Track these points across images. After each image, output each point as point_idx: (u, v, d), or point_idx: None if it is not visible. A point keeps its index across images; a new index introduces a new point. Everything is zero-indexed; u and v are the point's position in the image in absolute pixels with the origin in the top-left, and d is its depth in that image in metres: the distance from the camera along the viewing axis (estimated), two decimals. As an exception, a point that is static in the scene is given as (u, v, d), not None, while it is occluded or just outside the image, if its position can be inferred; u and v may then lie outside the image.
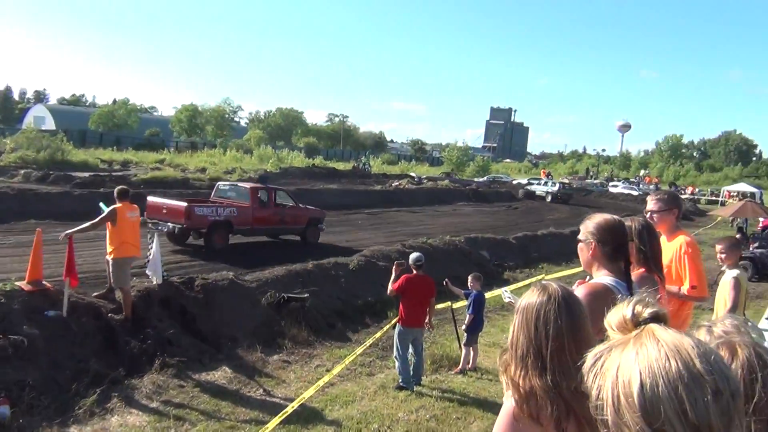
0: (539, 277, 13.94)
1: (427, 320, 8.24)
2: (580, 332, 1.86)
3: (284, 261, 12.52)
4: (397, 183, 43.98)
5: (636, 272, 3.26)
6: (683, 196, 50.17)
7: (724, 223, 32.94)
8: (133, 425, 6.47)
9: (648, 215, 4.36)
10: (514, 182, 56.66)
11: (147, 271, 9.36)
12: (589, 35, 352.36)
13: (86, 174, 29.97)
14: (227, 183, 19.40)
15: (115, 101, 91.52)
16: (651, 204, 4.48)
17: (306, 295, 10.56)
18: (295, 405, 6.54)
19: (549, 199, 43.13)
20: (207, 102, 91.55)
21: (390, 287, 8.09)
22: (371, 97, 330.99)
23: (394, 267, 8.26)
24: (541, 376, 1.84)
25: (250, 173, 39.17)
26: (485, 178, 59.62)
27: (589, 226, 2.89)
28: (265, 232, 17.33)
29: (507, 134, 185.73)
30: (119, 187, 9.42)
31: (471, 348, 8.83)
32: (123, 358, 7.79)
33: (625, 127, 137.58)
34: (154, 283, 9.19)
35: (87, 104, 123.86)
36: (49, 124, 77.38)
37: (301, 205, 18.37)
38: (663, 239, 4.15)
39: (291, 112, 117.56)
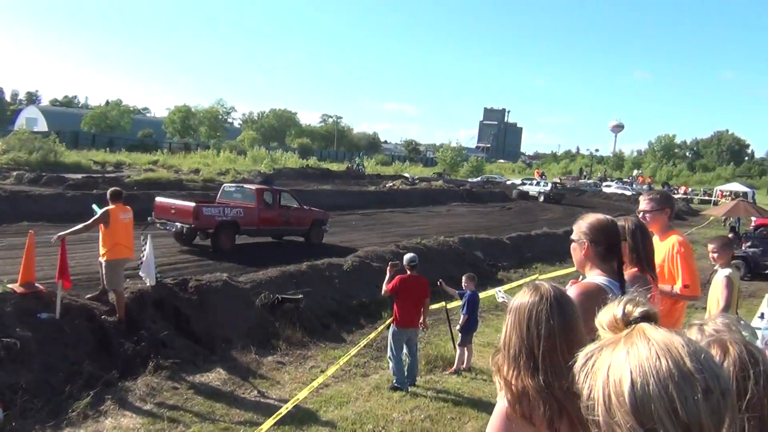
0: (533, 277, 13.98)
1: (421, 320, 8.25)
2: (572, 332, 1.86)
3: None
4: (391, 184, 43.97)
5: (629, 272, 3.27)
6: (676, 196, 50.40)
7: (717, 223, 33.08)
8: (126, 427, 6.45)
9: (640, 215, 4.38)
10: (508, 182, 56.75)
11: (140, 273, 9.33)
12: (583, 36, 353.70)
13: (79, 175, 29.82)
14: (233, 185, 19.63)
15: (107, 102, 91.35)
16: (643, 204, 4.50)
17: (300, 296, 10.56)
18: (289, 406, 6.53)
19: (542, 199, 43.29)
20: (200, 103, 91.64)
21: (384, 288, 8.10)
22: (365, 98, 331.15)
23: (388, 268, 8.26)
24: (534, 376, 1.84)
25: (243, 174, 39.06)
26: (479, 179, 59.70)
27: (581, 226, 2.89)
28: (270, 233, 17.52)
29: (500, 135, 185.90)
30: (112, 188, 9.39)
31: (465, 348, 8.84)
32: (116, 360, 7.76)
33: (618, 128, 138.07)
34: (148, 284, 9.16)
35: (79, 106, 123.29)
36: (42, 125, 76.92)
37: (305, 206, 18.60)
38: (655, 239, 4.16)
39: (284, 113, 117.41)
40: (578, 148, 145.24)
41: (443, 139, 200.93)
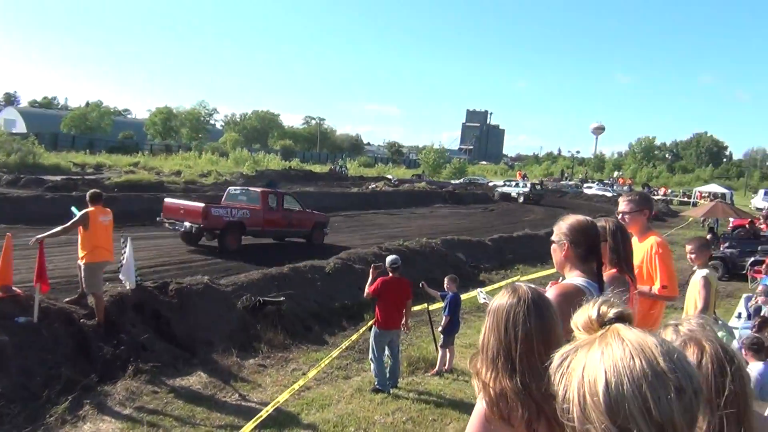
0: (515, 278, 14.04)
1: (403, 322, 8.25)
2: (549, 334, 1.87)
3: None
4: (373, 185, 44.04)
5: (607, 273, 3.29)
6: (656, 197, 51.01)
7: (696, 224, 33.50)
8: (105, 432, 6.38)
9: (620, 216, 4.42)
10: (490, 184, 57.06)
11: (120, 276, 9.24)
12: (564, 39, 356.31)
13: (58, 177, 29.57)
14: (238, 188, 20.24)
15: (87, 104, 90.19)
16: (622, 205, 4.54)
17: (282, 298, 10.52)
18: (269, 409, 6.50)
19: (521, 200, 43.73)
20: (182, 104, 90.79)
21: (366, 290, 8.09)
22: (347, 100, 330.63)
23: (371, 269, 8.26)
24: (512, 378, 1.85)
25: (225, 176, 38.92)
26: (461, 180, 59.93)
27: (562, 227, 2.91)
28: (274, 234, 18.06)
29: (483, 137, 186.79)
30: (92, 190, 9.28)
31: (447, 349, 8.86)
32: (95, 364, 7.67)
33: (599, 130, 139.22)
34: (128, 287, 9.07)
35: (59, 107, 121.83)
36: (20, 127, 75.99)
37: (307, 209, 19.26)
38: (634, 240, 4.20)
39: (267, 115, 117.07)
40: (560, 150, 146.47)
41: (426, 141, 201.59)
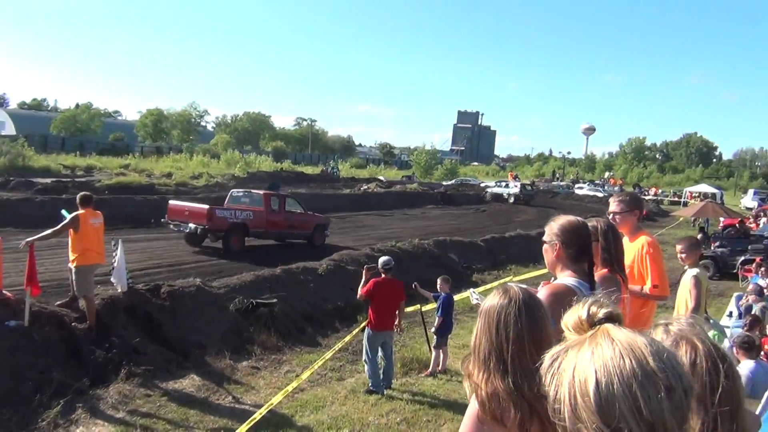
0: (507, 278, 14.08)
1: (396, 323, 8.26)
2: (540, 334, 1.88)
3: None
4: (365, 187, 44.02)
5: (599, 273, 3.31)
6: (647, 197, 51.28)
7: (687, 224, 33.68)
8: (98, 436, 6.35)
9: (610, 216, 4.44)
10: (482, 185, 57.20)
11: (111, 279, 9.20)
12: (555, 40, 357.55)
13: (48, 180, 29.38)
14: (241, 190, 20.50)
15: (77, 106, 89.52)
16: (613, 206, 4.57)
17: (275, 300, 10.50)
18: (263, 411, 6.49)
19: (512, 200, 43.91)
20: (173, 106, 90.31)
21: (359, 291, 8.10)
22: (339, 101, 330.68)
23: (364, 271, 8.26)
24: (504, 379, 1.86)
25: (217, 178, 38.80)
26: (453, 181, 60.02)
27: (553, 227, 2.92)
28: (276, 235, 18.38)
29: (474, 138, 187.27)
30: (82, 193, 9.22)
31: (441, 350, 8.87)
32: (87, 367, 7.63)
33: (590, 130, 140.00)
34: (119, 290, 9.03)
35: (48, 109, 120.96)
36: (9, 129, 75.40)
37: (308, 212, 19.66)
38: (625, 240, 4.23)
39: (258, 116, 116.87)
40: (551, 151, 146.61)
41: (418, 142, 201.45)
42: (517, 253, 19.26)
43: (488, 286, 11.86)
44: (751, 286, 11.09)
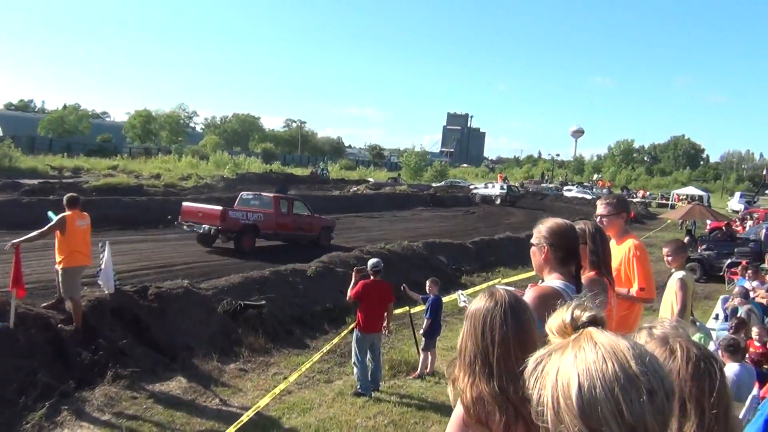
0: (496, 280, 14.11)
1: (385, 325, 8.25)
2: (526, 337, 1.88)
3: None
4: (355, 188, 44.04)
5: (586, 275, 3.32)
6: (635, 200, 51.56)
7: (674, 226, 33.87)
8: (83, 439, 6.30)
9: (598, 219, 4.46)
10: (471, 187, 57.37)
11: (98, 281, 9.13)
12: (545, 43, 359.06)
13: (35, 181, 29.16)
14: (250, 193, 20.84)
15: (65, 107, 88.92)
16: (600, 208, 4.58)
17: (263, 302, 10.46)
18: (250, 414, 6.45)
19: (498, 201, 44.37)
20: (161, 107, 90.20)
21: (349, 293, 8.09)
22: (328, 103, 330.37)
23: (353, 273, 8.25)
24: (489, 382, 1.86)
25: (206, 179, 38.69)
26: (442, 183, 60.15)
27: (541, 230, 2.93)
28: (285, 237, 18.90)
29: (464, 139, 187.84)
30: (69, 194, 9.16)
31: (429, 352, 8.87)
32: (73, 370, 7.57)
33: (579, 133, 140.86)
34: (106, 292, 8.97)
35: (36, 110, 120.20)
36: (-5, 130, 74.92)
37: (315, 214, 20.28)
38: (612, 243, 4.24)
39: (247, 118, 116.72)
40: (540, 153, 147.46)
41: (407, 143, 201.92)
42: (506, 255, 19.31)
43: (477, 288, 11.88)
44: (737, 289, 11.16)
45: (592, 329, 1.12)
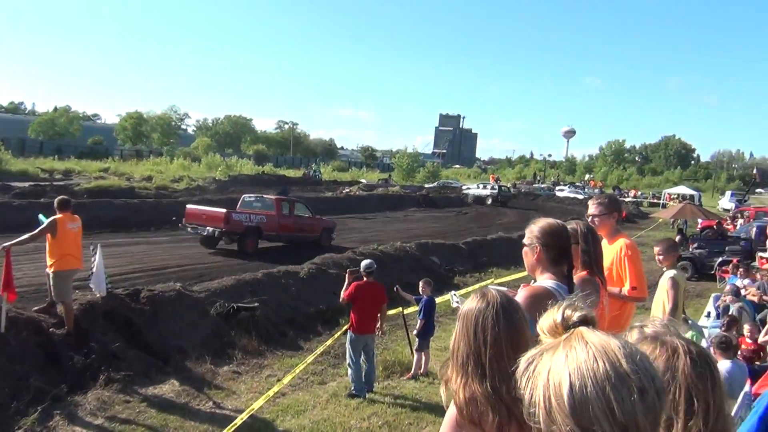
0: (489, 281, 14.13)
1: (378, 326, 8.25)
2: (518, 338, 1.89)
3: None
4: (347, 190, 44.04)
5: (578, 275, 3.33)
6: (626, 200, 51.80)
7: (665, 225, 34.04)
8: (76, 443, 6.27)
9: (589, 219, 4.48)
10: (464, 188, 57.49)
11: (90, 284, 9.09)
12: (536, 43, 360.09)
13: (26, 184, 28.98)
14: (252, 195, 20.95)
15: (56, 109, 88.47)
16: (592, 208, 4.60)
17: (256, 304, 10.44)
18: (244, 416, 6.44)
19: (489, 201, 44.68)
20: (152, 109, 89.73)
21: (342, 295, 8.09)
22: (320, 104, 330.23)
23: (347, 274, 8.25)
24: (482, 383, 1.86)
25: (198, 182, 38.56)
26: (435, 184, 60.25)
27: (533, 230, 2.93)
28: (287, 238, 19.17)
29: (456, 140, 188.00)
30: (60, 197, 9.12)
31: (423, 353, 8.87)
32: (65, 374, 7.54)
33: (570, 133, 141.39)
34: (98, 295, 8.93)
35: (26, 112, 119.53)
36: (-14, 133, 74.42)
37: (316, 216, 20.63)
38: (604, 242, 4.26)
39: (240, 120, 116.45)
40: (532, 153, 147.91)
41: (400, 145, 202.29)
42: (498, 255, 19.35)
43: (470, 289, 11.90)
44: (728, 287, 11.23)
45: (582, 329, 1.13)
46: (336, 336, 9.13)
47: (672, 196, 59.05)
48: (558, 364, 1.06)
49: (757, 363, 7.96)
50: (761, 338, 8.21)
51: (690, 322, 7.80)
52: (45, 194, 24.11)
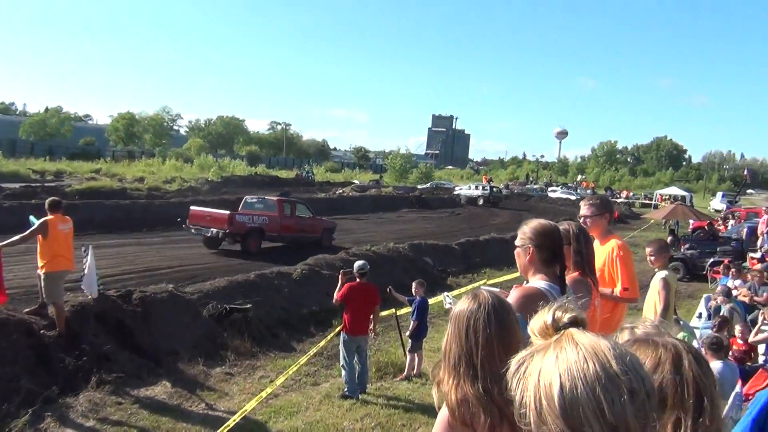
0: (482, 281, 14.15)
1: (371, 327, 8.25)
2: (510, 339, 1.89)
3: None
4: (340, 191, 44.03)
5: (570, 276, 3.34)
6: (619, 200, 52.03)
7: (657, 226, 34.18)
8: (67, 446, 6.24)
9: (581, 220, 4.49)
10: (456, 188, 57.61)
11: (82, 286, 9.05)
12: (528, 44, 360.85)
13: (17, 185, 28.82)
14: (254, 197, 21.42)
15: (47, 110, 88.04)
16: (584, 209, 4.61)
17: (249, 305, 10.42)
18: (237, 418, 6.43)
19: (481, 201, 45.08)
20: (144, 110, 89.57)
21: (335, 296, 8.09)
22: (313, 105, 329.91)
23: (340, 275, 8.24)
24: (473, 384, 1.86)
25: (190, 182, 38.45)
26: (428, 185, 60.35)
27: (526, 231, 2.93)
28: (289, 239, 19.52)
29: (449, 141, 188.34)
30: (51, 198, 9.08)
31: (416, 354, 8.88)
32: (57, 375, 7.49)
33: (563, 134, 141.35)
34: (90, 297, 8.89)
35: (17, 113, 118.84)
36: (-24, 133, 73.98)
37: (317, 216, 21.04)
38: (596, 243, 4.27)
39: (232, 120, 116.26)
40: (524, 154, 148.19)
41: (393, 145, 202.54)
42: (491, 256, 19.38)
43: (463, 290, 11.92)
44: (719, 288, 11.28)
45: (573, 330, 1.13)
46: (329, 337, 9.12)
47: (663, 197, 59.30)
48: (548, 366, 1.07)
49: (748, 363, 8.01)
50: (751, 338, 8.26)
51: (681, 322, 7.84)
52: (36, 195, 23.99)
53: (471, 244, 20.45)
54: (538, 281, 2.83)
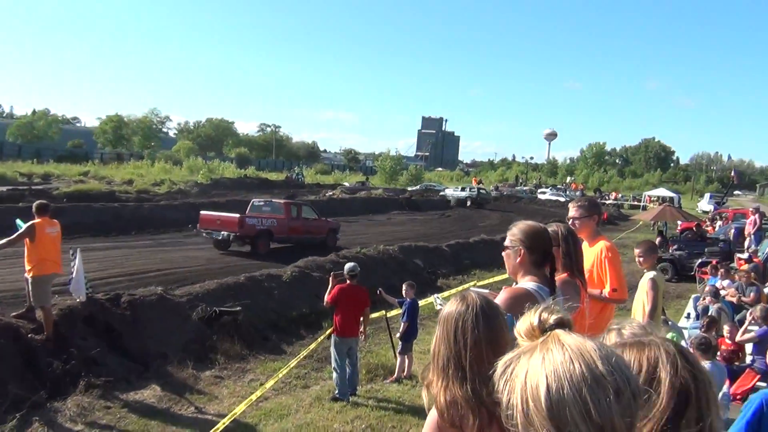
0: (471, 283, 14.17)
1: (361, 329, 8.25)
2: (498, 340, 1.89)
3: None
4: (330, 193, 43.99)
5: (559, 277, 3.35)
6: (607, 202, 52.29)
7: (646, 227, 34.35)
8: (55, 450, 6.20)
9: (570, 222, 4.51)
10: (446, 190, 57.73)
11: (70, 289, 8.98)
12: (517, 47, 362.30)
13: (4, 188, 28.65)
14: (261, 200, 22.16)
15: (34, 112, 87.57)
16: (572, 211, 4.63)
17: (238, 308, 10.38)
18: (226, 421, 6.40)
19: (468, 203, 45.68)
20: (133, 112, 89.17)
21: (325, 298, 8.08)
22: (303, 107, 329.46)
23: (330, 277, 8.23)
24: (462, 386, 1.86)
25: (179, 185, 38.30)
26: (418, 187, 60.44)
27: (516, 233, 2.94)
28: (296, 240, 20.14)
29: (439, 143, 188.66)
30: (38, 201, 9.02)
31: (406, 356, 8.88)
32: (44, 380, 7.44)
33: (552, 136, 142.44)
34: (78, 300, 8.83)
35: (4, 115, 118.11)
36: (-38, 136, 73.36)
37: (321, 218, 21.64)
38: (584, 244, 4.30)
39: (221, 123, 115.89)
40: (514, 156, 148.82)
41: (383, 147, 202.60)
42: (481, 257, 19.41)
43: (453, 291, 11.92)
44: (707, 288, 11.35)
45: (559, 331, 1.14)
46: (319, 340, 9.10)
47: (652, 199, 59.57)
48: (535, 367, 1.07)
49: (736, 363, 8.07)
50: (738, 337, 8.31)
51: (670, 323, 7.88)
52: (23, 198, 23.84)
53: (461, 245, 20.47)
54: (527, 282, 2.84)
